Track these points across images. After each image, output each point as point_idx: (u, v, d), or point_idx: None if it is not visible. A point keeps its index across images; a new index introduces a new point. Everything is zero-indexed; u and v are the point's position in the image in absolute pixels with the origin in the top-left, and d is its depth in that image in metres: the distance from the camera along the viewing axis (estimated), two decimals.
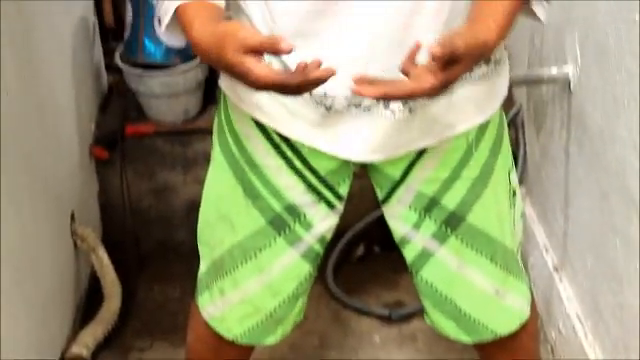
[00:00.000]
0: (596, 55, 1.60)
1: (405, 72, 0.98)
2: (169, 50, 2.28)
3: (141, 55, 2.28)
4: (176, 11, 1.08)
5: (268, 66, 0.96)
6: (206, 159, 1.39)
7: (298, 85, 0.95)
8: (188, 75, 2.30)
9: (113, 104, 2.49)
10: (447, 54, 0.94)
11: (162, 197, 2.35)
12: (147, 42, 2.26)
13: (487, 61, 1.18)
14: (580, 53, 1.69)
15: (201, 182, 1.39)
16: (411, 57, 0.98)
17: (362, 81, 0.97)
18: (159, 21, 2.30)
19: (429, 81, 0.96)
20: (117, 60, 2.37)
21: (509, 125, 1.31)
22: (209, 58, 1.01)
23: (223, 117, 1.29)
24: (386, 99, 1.03)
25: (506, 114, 1.37)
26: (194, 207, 1.44)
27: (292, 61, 1.13)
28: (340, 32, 1.10)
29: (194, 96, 2.37)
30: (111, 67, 2.51)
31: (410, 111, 1.15)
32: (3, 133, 1.48)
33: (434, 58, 0.95)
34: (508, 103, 1.27)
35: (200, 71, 2.32)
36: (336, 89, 1.13)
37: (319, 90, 1.13)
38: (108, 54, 2.52)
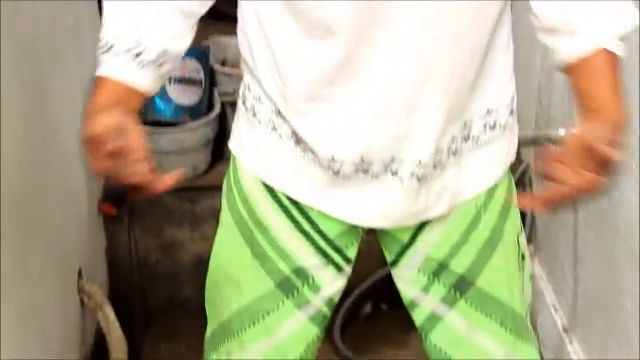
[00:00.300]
0: None
1: (548, 177, 1.06)
2: (178, 108, 2.30)
3: (151, 113, 2.30)
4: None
5: (107, 160, 1.11)
6: (214, 216, 1.39)
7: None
8: (197, 132, 2.31)
9: None
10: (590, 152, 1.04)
11: (169, 253, 2.35)
12: (157, 100, 2.28)
13: (494, 127, 1.19)
14: None
15: (209, 239, 1.39)
16: (551, 163, 1.06)
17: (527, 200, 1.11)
18: (169, 80, 2.31)
19: (589, 176, 1.05)
20: None
21: (517, 183, 1.31)
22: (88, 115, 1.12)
23: (232, 179, 1.29)
24: (556, 204, 1.12)
25: (514, 172, 1.37)
26: (201, 263, 1.43)
27: (303, 124, 1.15)
28: (351, 98, 1.10)
29: (203, 153, 2.38)
30: None
31: (418, 180, 1.15)
32: (13, 189, 1.49)
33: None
34: (516, 161, 1.28)
35: (209, 129, 2.34)
36: (344, 154, 1.13)
37: (327, 154, 1.14)
38: None
